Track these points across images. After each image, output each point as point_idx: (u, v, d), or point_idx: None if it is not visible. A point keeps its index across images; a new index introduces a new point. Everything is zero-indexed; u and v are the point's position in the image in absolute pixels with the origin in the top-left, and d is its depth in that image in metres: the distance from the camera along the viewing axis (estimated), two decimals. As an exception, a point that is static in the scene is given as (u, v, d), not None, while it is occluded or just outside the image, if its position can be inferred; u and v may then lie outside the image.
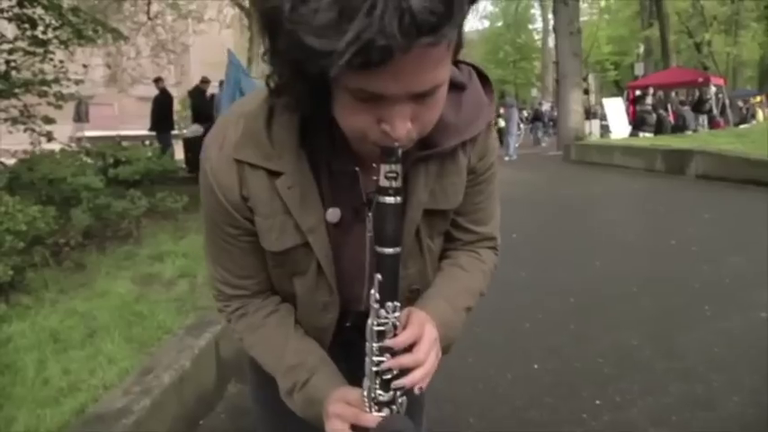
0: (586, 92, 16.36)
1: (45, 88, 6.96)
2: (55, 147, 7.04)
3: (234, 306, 0.86)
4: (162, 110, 10.76)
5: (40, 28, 6.44)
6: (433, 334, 0.73)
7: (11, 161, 6.87)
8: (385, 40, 0.49)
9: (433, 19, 0.50)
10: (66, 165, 4.55)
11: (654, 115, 12.95)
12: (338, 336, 0.89)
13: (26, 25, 6.41)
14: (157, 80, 11.08)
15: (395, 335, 0.69)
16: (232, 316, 0.86)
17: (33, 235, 3.60)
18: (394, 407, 0.71)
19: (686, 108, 14.02)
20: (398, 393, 0.71)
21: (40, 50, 6.68)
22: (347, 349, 0.85)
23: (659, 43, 22.90)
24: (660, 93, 16.68)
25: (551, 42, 20.59)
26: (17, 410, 2.09)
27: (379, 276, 0.67)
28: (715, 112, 14.96)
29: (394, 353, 0.69)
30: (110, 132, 20.41)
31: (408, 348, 0.69)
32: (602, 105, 16.95)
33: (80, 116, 13.41)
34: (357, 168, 0.74)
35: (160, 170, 5.42)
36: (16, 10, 6.28)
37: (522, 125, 21.72)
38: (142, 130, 14.01)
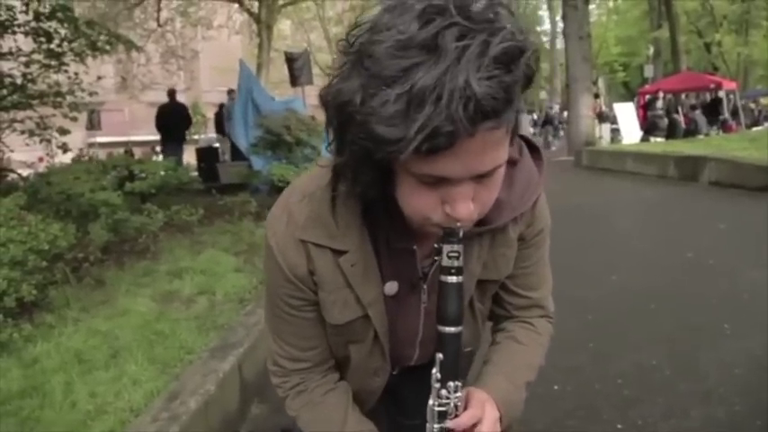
0: (597, 96, 16.29)
1: (60, 99, 7.05)
2: (69, 155, 7.12)
3: (293, 382, 0.88)
4: (174, 121, 10.76)
5: (56, 41, 6.53)
6: (494, 415, 0.75)
7: (26, 172, 6.96)
8: (451, 125, 0.53)
9: (496, 104, 0.53)
10: (83, 180, 4.60)
11: (665, 119, 12.88)
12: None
13: (42, 39, 6.49)
14: (172, 92, 11.08)
15: (456, 416, 0.70)
16: (290, 392, 0.88)
17: (55, 252, 3.65)
18: None
19: (697, 112, 13.94)
20: None
21: (55, 63, 6.77)
22: (393, 393, 0.89)
23: (669, 44, 22.77)
24: (670, 96, 16.61)
25: (560, 44, 20.55)
26: (46, 435, 2.13)
27: (440, 356, 0.69)
28: (726, 115, 14.87)
29: None
30: (121, 138, 20.63)
31: (470, 430, 0.71)
32: (612, 109, 16.89)
33: (93, 124, 13.54)
34: (415, 246, 0.77)
35: (176, 183, 5.47)
36: (33, 24, 6.36)
37: (531, 129, 21.70)
38: (152, 135, 14.09)
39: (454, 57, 0.52)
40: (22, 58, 6.63)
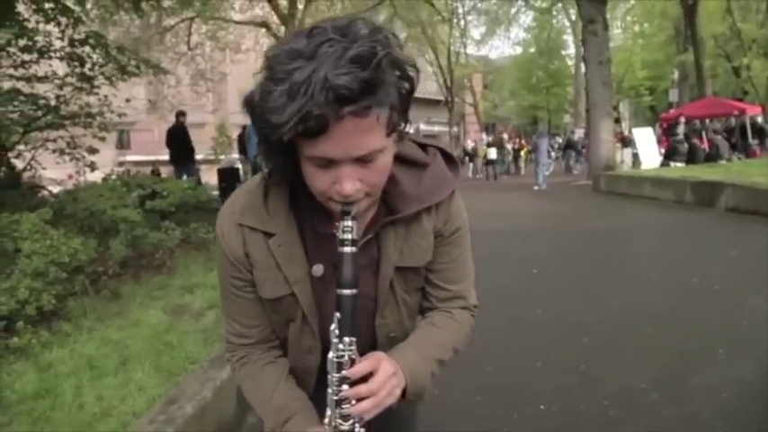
0: (617, 120, 16.25)
1: (90, 120, 7.42)
2: (99, 174, 7.45)
3: (239, 355, 1.02)
4: (180, 142, 11.06)
5: (88, 65, 6.91)
6: (388, 369, 0.85)
7: (56, 189, 7.31)
8: (319, 110, 0.69)
9: (351, 93, 0.69)
10: (106, 197, 4.85)
11: (685, 145, 12.79)
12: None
13: (76, 63, 6.88)
14: (180, 114, 11.44)
15: (351, 367, 0.82)
16: (236, 364, 1.02)
17: (75, 265, 3.87)
18: None
19: (719, 137, 13.79)
20: (356, 423, 0.83)
21: (87, 85, 7.15)
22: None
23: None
24: (696, 121, 16.46)
25: (584, 68, 20.57)
26: (55, 434, 2.29)
27: (338, 314, 0.82)
28: (751, 141, 14.67)
29: (351, 383, 0.81)
30: (149, 157, 21.26)
31: (365, 380, 0.82)
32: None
33: (122, 144, 14.06)
34: (335, 231, 0.88)
35: (194, 202, 5.71)
36: (68, 49, 6.76)
37: (553, 153, 21.67)
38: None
39: (322, 60, 0.69)
40: (57, 81, 7.03)
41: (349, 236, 0.80)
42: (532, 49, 39.53)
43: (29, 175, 8.65)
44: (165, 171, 17.75)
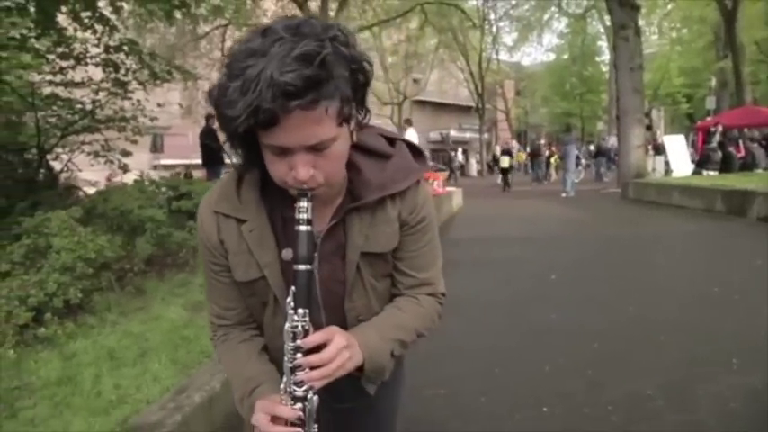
0: (649, 128, 15.94)
1: (124, 124, 7.71)
2: (134, 177, 7.73)
3: (219, 334, 1.11)
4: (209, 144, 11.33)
5: (122, 71, 7.19)
6: (340, 342, 0.91)
7: (91, 190, 7.62)
8: (268, 104, 0.76)
9: (295, 90, 0.77)
10: (135, 198, 5.06)
11: (719, 153, 12.47)
12: None
13: (110, 69, 7.17)
14: (209, 117, 11.74)
15: (305, 337, 0.88)
16: (217, 342, 1.11)
17: (102, 261, 4.06)
18: (307, 403, 0.89)
19: (755, 145, 13.39)
20: (309, 390, 0.89)
21: (121, 91, 7.44)
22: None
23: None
24: (736, 130, 15.99)
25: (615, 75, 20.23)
26: (73, 417, 2.43)
27: (293, 288, 0.89)
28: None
29: (305, 353, 0.88)
30: (183, 161, 21.84)
31: (319, 350, 0.88)
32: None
33: (156, 147, 14.50)
34: (310, 216, 0.95)
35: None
36: (103, 56, 7.05)
37: (583, 161, 21.37)
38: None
39: (272, 57, 0.76)
40: (93, 87, 7.34)
41: (304, 215, 0.87)
42: (566, 56, 39.11)
43: (65, 177, 9.03)
44: (199, 174, 18.21)
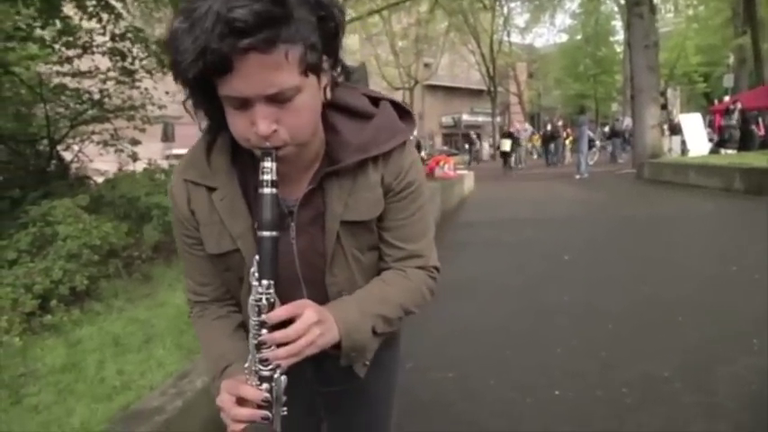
0: (664, 107, 15.60)
1: (132, 113, 7.69)
2: (143, 165, 7.73)
3: (196, 310, 1.04)
4: None
5: (129, 59, 7.15)
6: (310, 318, 0.81)
7: (101, 179, 7.64)
8: (216, 44, 0.68)
9: (246, 26, 0.68)
10: (142, 185, 5.03)
11: (739, 131, 12.15)
12: None
13: (117, 57, 7.14)
14: None
15: (270, 311, 0.80)
16: (194, 317, 1.04)
17: (109, 248, 4.04)
18: (273, 383, 0.81)
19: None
20: (276, 369, 0.81)
21: (129, 79, 7.41)
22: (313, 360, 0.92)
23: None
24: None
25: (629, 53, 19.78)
26: (76, 403, 2.40)
27: (257, 257, 0.81)
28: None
29: (271, 328, 0.80)
30: (195, 150, 21.90)
31: (286, 326, 0.80)
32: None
33: (167, 136, 14.52)
34: (275, 178, 0.86)
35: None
36: (109, 44, 7.01)
37: (598, 142, 21.02)
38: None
39: None
40: (100, 76, 7.32)
41: (268, 176, 0.79)
42: (579, 36, 38.42)
43: (76, 167, 9.06)
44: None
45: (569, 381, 2.78)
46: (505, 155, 18.59)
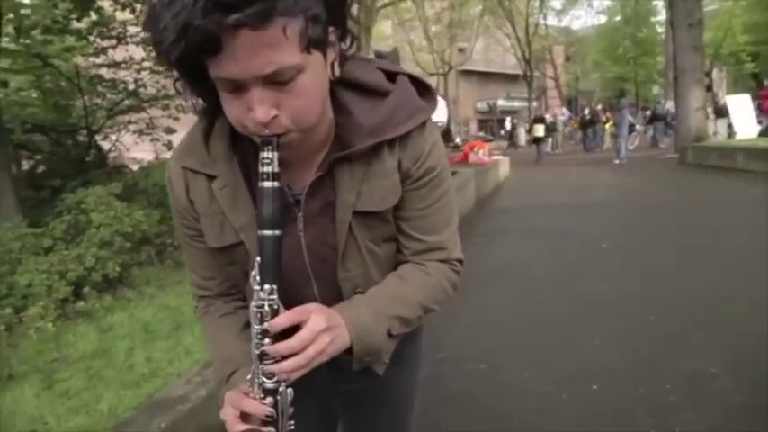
0: (709, 88, 14.93)
1: (167, 102, 7.78)
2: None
3: (201, 305, 0.97)
4: None
5: (162, 49, 7.21)
6: (317, 324, 0.74)
7: (136, 167, 7.78)
8: (198, 20, 0.59)
9: (231, 0, 0.58)
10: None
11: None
12: None
13: (150, 47, 7.19)
14: None
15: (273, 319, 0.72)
16: (199, 313, 0.97)
17: (142, 236, 4.08)
18: (278, 396, 0.73)
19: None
20: (282, 382, 0.73)
21: (163, 69, 7.47)
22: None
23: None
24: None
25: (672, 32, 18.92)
26: (105, 390, 2.41)
27: (258, 259, 0.72)
28: None
29: (275, 337, 0.71)
30: (229, 139, 22.26)
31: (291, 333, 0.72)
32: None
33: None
34: (278, 170, 0.78)
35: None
36: (143, 34, 7.08)
37: (638, 126, 20.32)
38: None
39: None
40: (135, 66, 7.41)
41: (268, 168, 0.71)
42: (618, 17, 37.10)
43: (113, 156, 9.25)
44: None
45: (608, 376, 2.65)
46: (538, 140, 17.63)
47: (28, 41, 7.50)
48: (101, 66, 8.02)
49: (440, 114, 11.21)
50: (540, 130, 17.50)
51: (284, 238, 0.83)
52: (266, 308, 0.71)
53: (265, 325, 0.71)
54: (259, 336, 0.72)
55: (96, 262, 3.47)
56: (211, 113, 0.81)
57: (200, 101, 0.78)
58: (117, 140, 9.45)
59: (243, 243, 0.84)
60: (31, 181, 7.99)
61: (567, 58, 42.95)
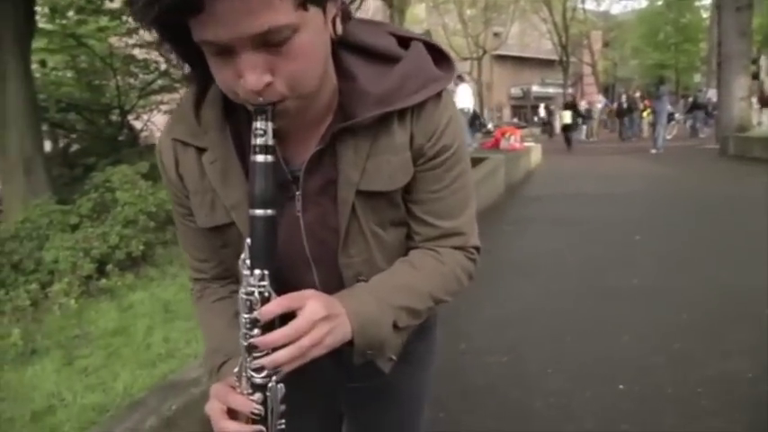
0: (756, 76, 14.27)
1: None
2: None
3: (196, 289, 0.91)
4: None
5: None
6: (315, 313, 0.66)
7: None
8: None
9: None
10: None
11: None
12: None
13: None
14: None
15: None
16: (195, 298, 0.91)
17: (166, 215, 4.09)
18: (268, 393, 0.67)
19: None
20: (272, 376, 0.66)
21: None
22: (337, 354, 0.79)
23: None
24: None
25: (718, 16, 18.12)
26: (122, 368, 2.42)
27: (248, 241, 0.65)
28: None
29: (263, 328, 0.64)
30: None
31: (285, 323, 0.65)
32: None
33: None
34: (273, 142, 0.70)
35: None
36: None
37: (677, 115, 19.62)
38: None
39: None
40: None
41: (262, 140, 0.63)
42: (660, 2, 35.75)
43: (145, 135, 9.38)
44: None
45: (636, 375, 2.53)
46: (567, 128, 16.59)
47: (63, 21, 7.63)
48: (133, 46, 8.10)
49: (465, 100, 10.90)
50: (567, 117, 16.60)
51: (281, 218, 0.76)
52: (256, 295, 0.64)
53: (255, 314, 0.64)
54: (248, 326, 0.64)
55: (120, 240, 3.49)
56: (203, 78, 0.72)
57: (189, 66, 0.71)
58: (149, 120, 9.58)
59: (235, 223, 0.77)
60: (66, 159, 8.17)
61: (606, 44, 41.69)
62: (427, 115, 0.75)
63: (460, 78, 11.13)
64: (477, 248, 0.87)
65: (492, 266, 4.18)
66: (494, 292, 3.63)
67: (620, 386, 2.44)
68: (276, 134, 0.70)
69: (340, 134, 0.73)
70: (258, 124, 0.63)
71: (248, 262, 0.65)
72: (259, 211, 0.64)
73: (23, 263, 3.53)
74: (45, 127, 8.28)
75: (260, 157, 0.63)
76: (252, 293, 0.64)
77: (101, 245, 3.41)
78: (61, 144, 8.99)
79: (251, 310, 0.64)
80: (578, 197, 7.54)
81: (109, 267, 3.36)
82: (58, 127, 8.40)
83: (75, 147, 8.87)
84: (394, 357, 0.86)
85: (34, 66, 8.20)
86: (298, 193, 0.76)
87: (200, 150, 0.76)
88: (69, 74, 8.74)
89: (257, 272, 0.64)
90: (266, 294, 0.64)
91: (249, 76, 0.60)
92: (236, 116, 0.75)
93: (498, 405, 2.37)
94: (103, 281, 3.27)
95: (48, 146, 8.40)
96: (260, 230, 0.64)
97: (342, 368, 0.93)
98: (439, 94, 0.76)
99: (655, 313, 3.23)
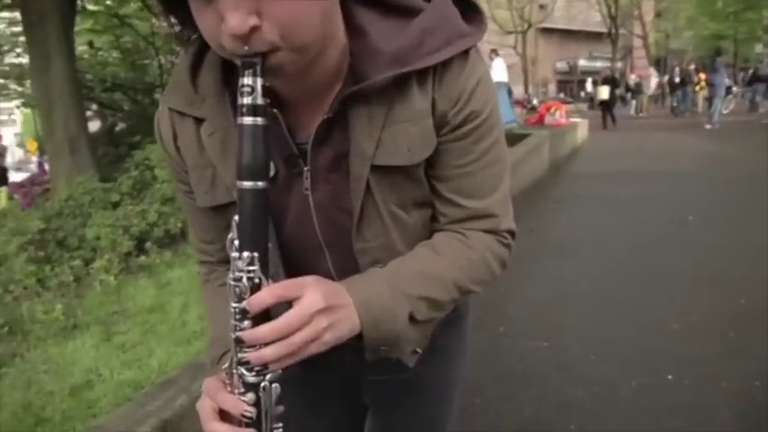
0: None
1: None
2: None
3: (203, 271, 0.84)
4: None
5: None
6: (313, 303, 0.57)
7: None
8: None
9: None
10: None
11: None
12: None
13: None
14: None
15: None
16: (202, 281, 0.85)
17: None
18: (261, 393, 0.58)
19: None
20: (264, 374, 0.58)
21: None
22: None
23: None
24: None
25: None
26: (157, 345, 2.44)
27: (236, 218, 0.57)
28: None
29: (254, 320, 0.56)
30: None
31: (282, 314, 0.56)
32: None
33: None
34: (275, 110, 0.62)
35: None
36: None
37: (735, 88, 18.54)
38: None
39: None
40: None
41: (248, 99, 0.54)
42: (720, -34, 33.66)
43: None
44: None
45: (686, 365, 2.38)
46: (605, 104, 15.04)
47: (107, 2, 7.73)
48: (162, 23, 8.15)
49: (500, 74, 10.50)
50: (604, 93, 15.10)
51: (289, 197, 0.69)
52: (245, 281, 0.56)
53: (243, 303, 0.56)
54: (237, 317, 0.57)
55: (159, 218, 3.53)
56: (199, 42, 0.65)
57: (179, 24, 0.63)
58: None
59: (235, 203, 0.68)
60: (111, 138, 8.38)
61: (658, 14, 39.60)
62: (452, 77, 0.64)
63: (495, 52, 10.77)
64: (512, 233, 0.76)
65: (535, 246, 4.04)
66: (536, 274, 3.50)
67: (669, 377, 2.31)
68: (279, 101, 0.62)
69: (351, 100, 0.63)
70: (246, 80, 0.54)
71: (236, 243, 0.56)
72: (247, 183, 0.55)
73: (68, 239, 3.62)
74: (93, 107, 8.51)
75: (247, 119, 0.54)
76: (240, 279, 0.56)
77: (140, 222, 3.45)
78: (108, 123, 9.22)
79: (240, 298, 0.56)
80: (626, 175, 7.21)
81: (148, 245, 3.41)
82: (105, 107, 8.60)
83: (120, 126, 9.07)
84: (419, 350, 0.78)
85: (83, 47, 8.39)
86: (306, 168, 0.68)
87: (199, 121, 0.68)
88: (114, 54, 8.90)
89: (246, 254, 0.56)
90: (256, 281, 0.56)
91: (231, 17, 0.50)
92: (235, 83, 0.67)
93: (537, 393, 2.27)
94: (142, 258, 3.32)
95: (96, 125, 8.63)
96: (249, 206, 0.56)
97: (362, 360, 0.85)
98: (466, 53, 0.65)
99: (709, 300, 3.04)
